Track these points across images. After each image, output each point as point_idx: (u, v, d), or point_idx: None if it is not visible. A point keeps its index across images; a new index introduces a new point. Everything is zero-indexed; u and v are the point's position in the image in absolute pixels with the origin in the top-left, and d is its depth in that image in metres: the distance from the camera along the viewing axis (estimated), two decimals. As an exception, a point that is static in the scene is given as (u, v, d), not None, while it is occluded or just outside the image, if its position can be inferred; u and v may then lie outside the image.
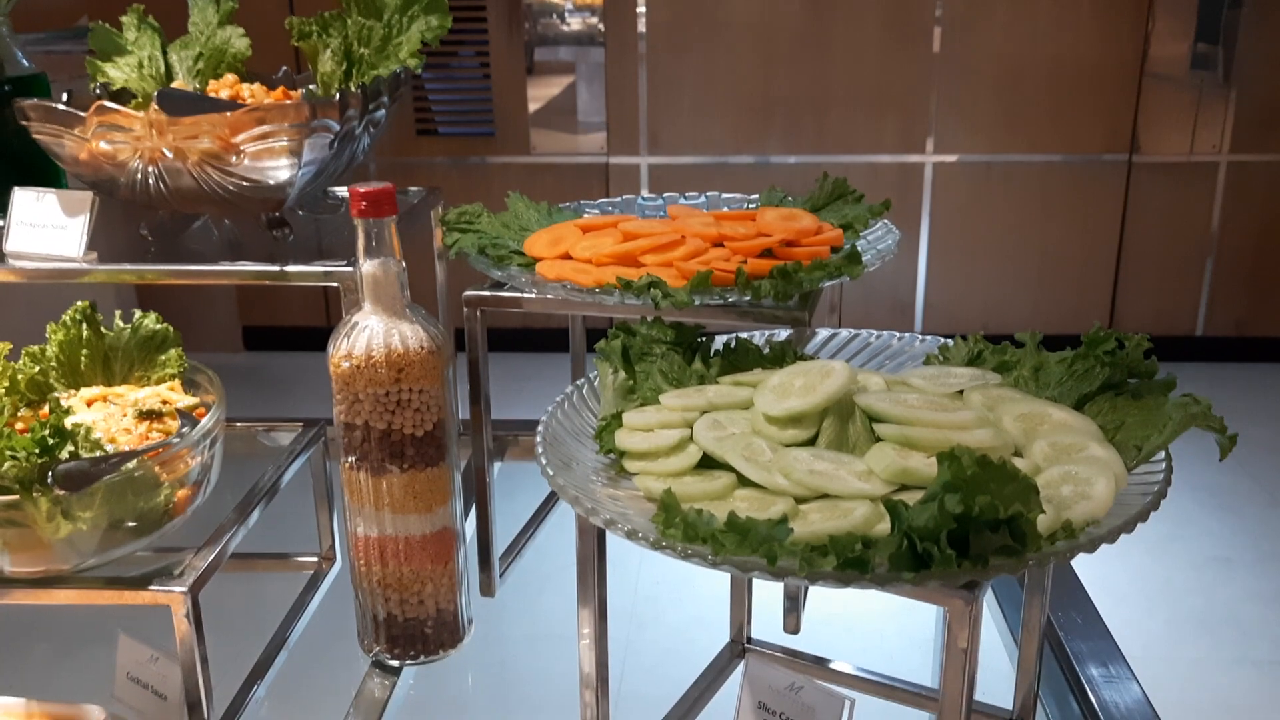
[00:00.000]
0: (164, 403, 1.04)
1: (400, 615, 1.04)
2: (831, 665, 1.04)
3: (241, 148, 1.05)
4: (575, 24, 4.01)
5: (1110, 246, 4.00)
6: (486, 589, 1.15)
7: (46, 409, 0.96)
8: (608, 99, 4.00)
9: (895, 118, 3.94)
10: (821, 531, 0.65)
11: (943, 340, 0.94)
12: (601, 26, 3.94)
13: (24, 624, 1.17)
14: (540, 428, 0.81)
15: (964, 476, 0.61)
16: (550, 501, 1.32)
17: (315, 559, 1.20)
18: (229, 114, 1.05)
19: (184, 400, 1.06)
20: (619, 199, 1.28)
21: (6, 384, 1.01)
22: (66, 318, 1.09)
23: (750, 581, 1.06)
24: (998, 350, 0.90)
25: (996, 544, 0.61)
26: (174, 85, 1.26)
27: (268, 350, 4.20)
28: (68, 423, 0.85)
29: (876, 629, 1.20)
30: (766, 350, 0.94)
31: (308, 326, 4.20)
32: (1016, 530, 0.61)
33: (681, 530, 0.66)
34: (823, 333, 0.98)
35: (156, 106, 1.04)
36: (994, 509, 0.60)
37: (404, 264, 0.98)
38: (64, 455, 0.83)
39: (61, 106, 1.08)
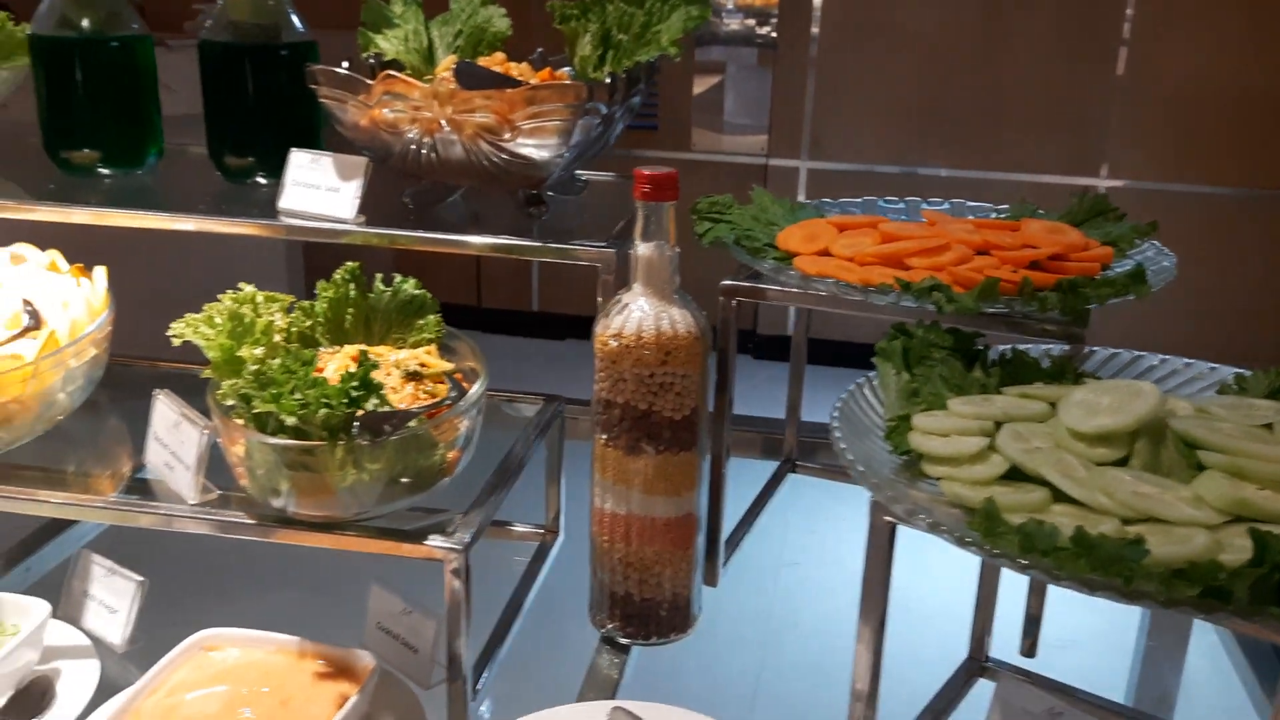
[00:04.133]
0: (422, 365, 1.08)
1: (638, 595, 1.05)
2: (1076, 692, 1.01)
3: (518, 124, 1.08)
4: (735, 24, 4.00)
5: (1288, 287, 3.81)
6: (710, 578, 1.16)
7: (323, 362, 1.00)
8: (773, 100, 3.98)
9: (1068, 137, 3.83)
10: (1173, 556, 0.63)
11: (1236, 370, 0.91)
12: (763, 28, 3.92)
13: (265, 563, 1.22)
14: (834, 422, 0.81)
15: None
16: (765, 496, 1.32)
17: (540, 531, 1.22)
18: (508, 90, 1.07)
19: (441, 364, 1.09)
20: (859, 200, 1.27)
21: (285, 335, 1.06)
22: (337, 277, 1.13)
23: (996, 598, 1.04)
24: (1301, 384, 0.86)
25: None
26: (436, 60, 1.30)
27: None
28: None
29: (1096, 653, 1.17)
30: (1046, 364, 0.92)
31: (454, 304, 4.29)
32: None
33: (1018, 541, 0.65)
34: (1101, 351, 0.96)
35: (446, 77, 1.07)
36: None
37: (678, 249, 0.99)
38: (369, 407, 0.86)
39: (349, 73, 1.11)
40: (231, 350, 0.98)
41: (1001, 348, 0.94)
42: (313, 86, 1.13)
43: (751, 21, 4.01)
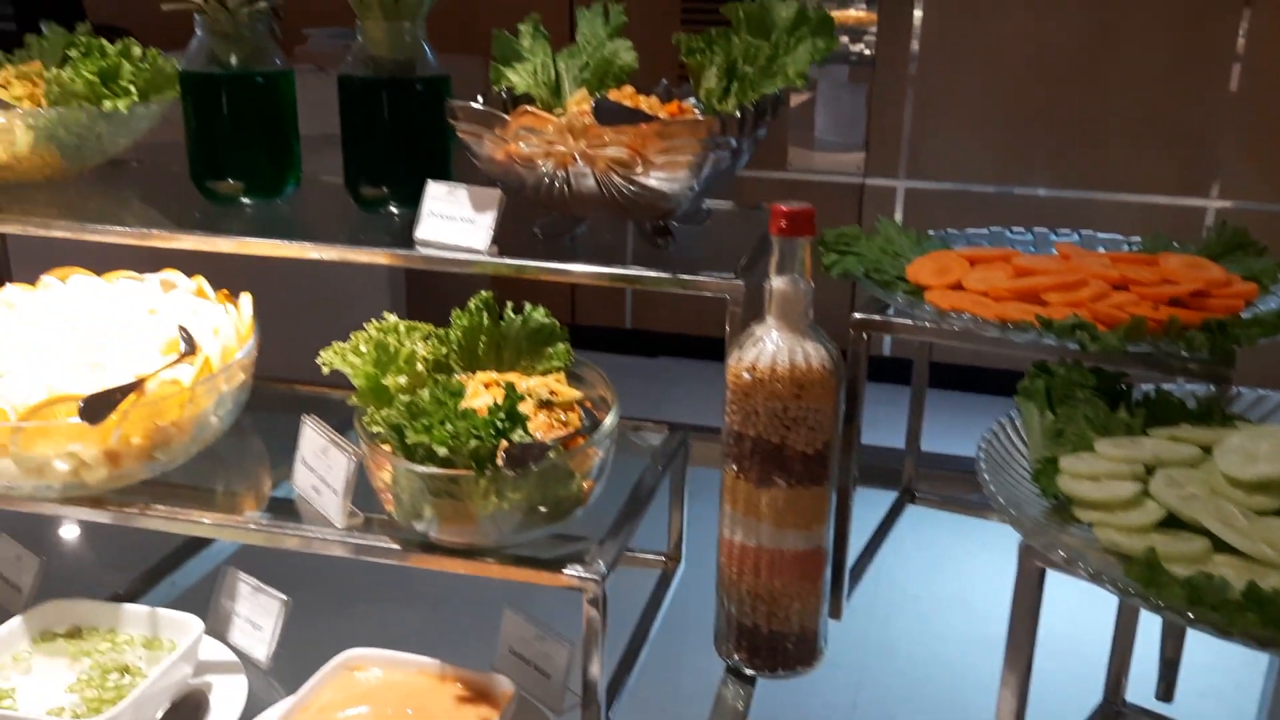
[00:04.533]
0: (553, 393, 1.10)
1: (765, 627, 1.05)
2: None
3: (650, 158, 1.10)
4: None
5: None
6: (835, 611, 1.16)
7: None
8: (870, 119, 3.95)
9: (1177, 157, 3.72)
10: (1352, 614, 0.62)
11: (1397, 415, 0.88)
12: (856, 45, 3.90)
13: (398, 582, 1.26)
14: (981, 464, 0.81)
15: None
16: (886, 527, 1.31)
17: (662, 558, 1.24)
18: (641, 125, 1.09)
19: (571, 392, 1.11)
20: (985, 230, 1.26)
21: (423, 362, 1.09)
22: (471, 305, 1.16)
23: (1134, 641, 1.03)
24: None
25: None
26: (564, 93, 1.32)
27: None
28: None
29: (1234, 698, 1.13)
30: (1192, 405, 0.91)
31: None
32: None
33: (1185, 594, 0.64)
34: (1249, 392, 0.93)
35: (578, 112, 1.10)
36: None
37: (812, 283, 1.00)
38: (516, 438, 0.88)
39: (486, 108, 1.15)
40: (376, 379, 1.02)
41: (1145, 387, 0.92)
42: (451, 121, 1.17)
43: (845, 38, 3.99)
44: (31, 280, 1.29)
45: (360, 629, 1.13)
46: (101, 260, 1.35)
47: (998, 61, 3.78)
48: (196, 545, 1.28)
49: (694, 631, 1.12)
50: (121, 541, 1.18)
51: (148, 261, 1.35)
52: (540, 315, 1.19)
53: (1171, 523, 0.76)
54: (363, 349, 1.02)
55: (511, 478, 0.90)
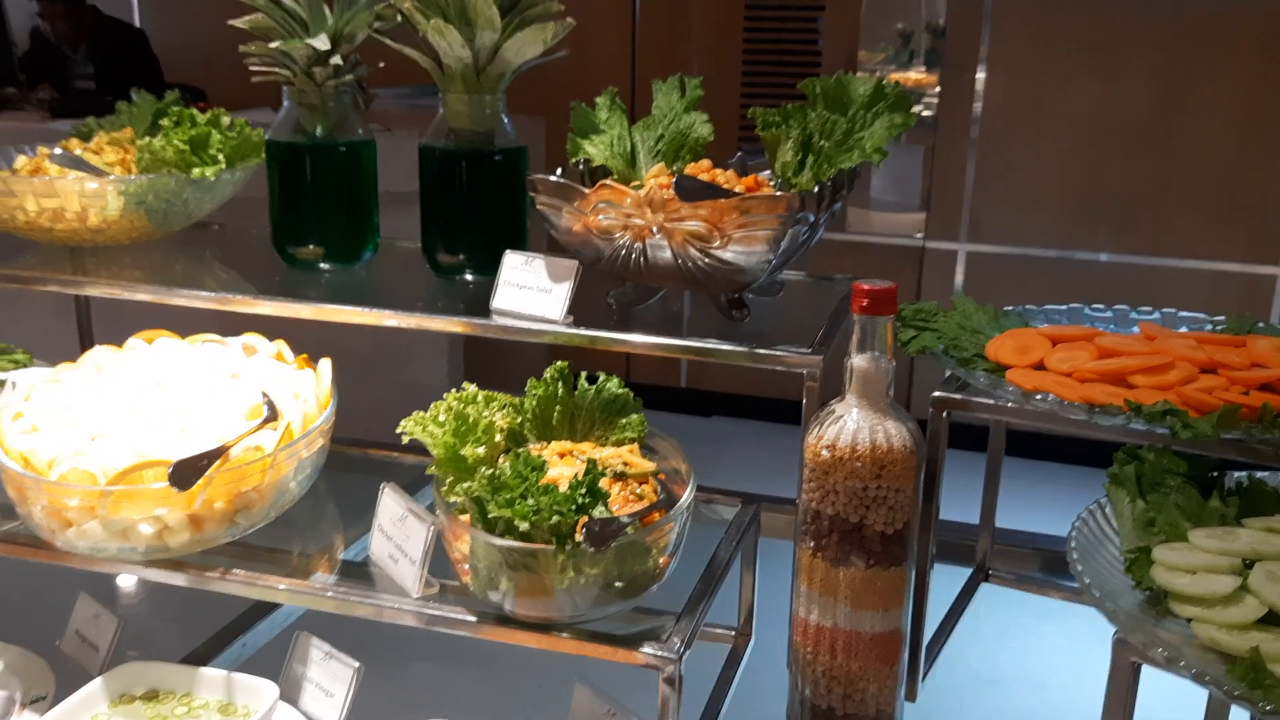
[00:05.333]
0: (626, 464, 1.10)
1: (841, 710, 1.03)
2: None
3: (728, 232, 1.10)
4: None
5: None
6: (910, 693, 1.13)
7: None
8: (930, 181, 3.95)
9: (1245, 224, 3.67)
10: None
11: None
12: (918, 107, 3.91)
13: (465, 651, 1.26)
14: (1073, 552, 0.79)
15: None
16: (960, 606, 1.29)
17: (732, 633, 1.22)
18: (721, 200, 1.10)
19: (644, 464, 1.11)
20: (1063, 307, 1.25)
21: (500, 432, 1.10)
22: (547, 375, 1.17)
23: (1227, 737, 0.99)
24: None
25: None
26: (639, 165, 1.34)
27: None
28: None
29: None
30: (1288, 495, 0.88)
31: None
32: None
33: (1298, 699, 0.62)
34: (1347, 482, 0.91)
35: (656, 185, 1.11)
36: None
37: (893, 361, 0.99)
38: (596, 514, 0.88)
39: (566, 181, 1.16)
40: (455, 449, 1.03)
41: (1237, 475, 0.90)
42: (531, 194, 1.19)
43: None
44: (117, 341, 1.32)
45: (430, 696, 1.13)
46: (183, 319, 1.38)
47: (1061, 124, 3.77)
48: (268, 606, 1.29)
49: (765, 707, 1.10)
50: (192, 601, 1.19)
51: (228, 320, 1.37)
52: (614, 386, 1.20)
53: (1271, 619, 0.73)
54: (442, 418, 1.02)
55: (588, 553, 0.90)
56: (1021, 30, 3.76)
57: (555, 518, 0.86)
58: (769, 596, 1.23)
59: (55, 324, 1.49)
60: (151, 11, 5.09)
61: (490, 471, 0.93)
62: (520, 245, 1.34)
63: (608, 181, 1.14)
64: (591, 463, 0.95)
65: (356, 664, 1.06)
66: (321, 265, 1.39)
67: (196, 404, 1.08)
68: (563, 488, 0.96)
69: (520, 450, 0.99)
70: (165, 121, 1.39)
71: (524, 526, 0.87)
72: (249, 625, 1.25)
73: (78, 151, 1.40)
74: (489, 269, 1.34)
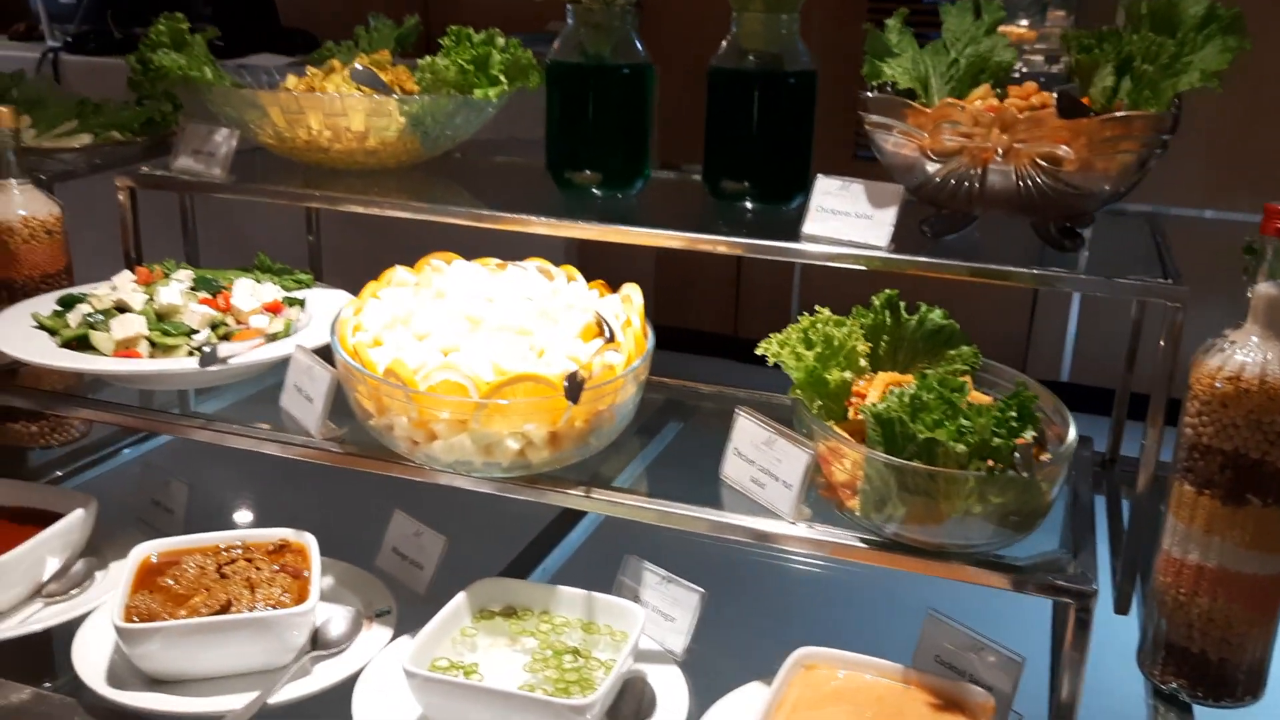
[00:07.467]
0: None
1: (1214, 655, 0.99)
2: None
3: (1089, 155, 1.05)
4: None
5: None
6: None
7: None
8: None
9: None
10: None
11: None
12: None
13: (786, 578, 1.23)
14: None
15: None
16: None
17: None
18: (1085, 120, 1.05)
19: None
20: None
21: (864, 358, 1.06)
22: (875, 303, 1.13)
23: None
24: None
25: None
26: (931, 90, 1.29)
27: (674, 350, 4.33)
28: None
29: None
30: None
31: (711, 333, 4.28)
32: None
33: None
34: None
35: (996, 105, 1.06)
36: None
37: (1301, 290, 0.94)
38: (1028, 438, 0.84)
39: (904, 100, 1.12)
40: (819, 372, 0.99)
41: None
42: (861, 113, 1.14)
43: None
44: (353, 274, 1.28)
45: (766, 624, 1.11)
46: (412, 249, 1.33)
47: None
48: (563, 528, 1.27)
49: (1111, 649, 1.05)
50: (482, 519, 1.17)
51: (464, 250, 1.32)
52: (939, 316, 1.15)
53: None
54: (811, 340, 0.99)
55: (996, 480, 0.86)
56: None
57: (995, 440, 0.83)
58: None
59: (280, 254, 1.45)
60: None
61: (907, 392, 0.89)
62: (806, 173, 1.30)
63: (952, 100, 1.09)
64: (1021, 385, 0.91)
65: (701, 590, 1.03)
66: (594, 191, 1.35)
67: (535, 322, 1.06)
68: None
69: (928, 373, 0.94)
70: (445, 40, 1.36)
71: (959, 448, 0.83)
72: (549, 545, 1.23)
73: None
74: (773, 197, 1.31)
